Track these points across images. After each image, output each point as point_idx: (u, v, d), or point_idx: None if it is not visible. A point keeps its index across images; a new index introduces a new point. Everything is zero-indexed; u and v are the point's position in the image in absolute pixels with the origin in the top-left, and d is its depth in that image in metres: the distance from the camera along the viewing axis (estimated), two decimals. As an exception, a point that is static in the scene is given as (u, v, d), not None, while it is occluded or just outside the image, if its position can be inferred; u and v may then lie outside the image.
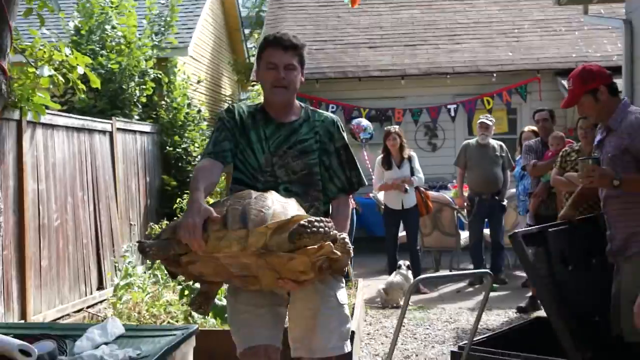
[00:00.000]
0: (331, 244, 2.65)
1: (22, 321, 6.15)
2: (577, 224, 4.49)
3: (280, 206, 2.72)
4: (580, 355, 3.87)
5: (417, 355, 5.74)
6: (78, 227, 7.51)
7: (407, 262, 8.02)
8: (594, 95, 4.00)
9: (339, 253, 2.69)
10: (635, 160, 3.90)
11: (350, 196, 3.33)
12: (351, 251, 2.78)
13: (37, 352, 2.93)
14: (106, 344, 3.13)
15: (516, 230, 4.35)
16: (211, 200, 3.94)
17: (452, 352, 4.48)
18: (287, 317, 3.15)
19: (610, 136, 4.04)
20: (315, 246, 2.59)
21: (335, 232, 2.71)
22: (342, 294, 3.12)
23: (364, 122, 11.48)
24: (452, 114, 12.00)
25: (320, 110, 3.31)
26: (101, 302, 7.57)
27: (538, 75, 11.87)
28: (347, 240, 2.77)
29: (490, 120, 8.60)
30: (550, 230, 4.37)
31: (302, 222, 2.60)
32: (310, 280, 2.76)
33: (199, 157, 3.28)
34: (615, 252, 4.06)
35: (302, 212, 2.78)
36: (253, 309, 2.99)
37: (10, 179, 6.29)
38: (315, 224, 2.60)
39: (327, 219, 2.69)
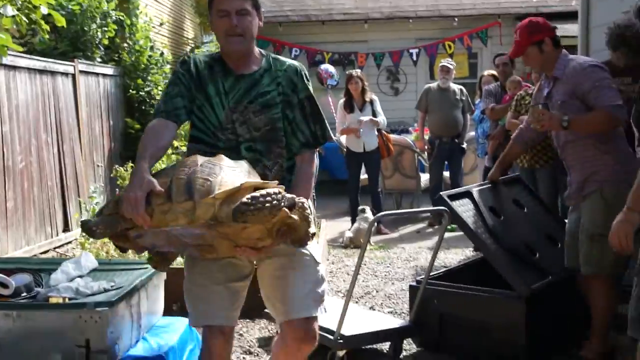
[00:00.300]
0: (286, 210, 2.47)
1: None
2: (501, 183, 4.86)
3: (229, 173, 2.53)
4: (526, 287, 4.14)
5: (377, 292, 5.99)
6: (43, 169, 7.55)
7: (369, 207, 8.22)
8: (539, 47, 4.19)
9: (295, 218, 2.51)
10: (584, 104, 4.11)
11: (316, 151, 3.06)
12: (310, 218, 2.58)
13: (14, 284, 3.07)
14: (80, 277, 3.27)
15: (441, 193, 4.62)
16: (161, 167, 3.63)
17: (411, 286, 4.72)
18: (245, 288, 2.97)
19: (556, 86, 4.24)
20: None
21: (293, 196, 2.53)
22: (317, 253, 2.95)
23: (331, 68, 11.62)
24: (414, 58, 12.16)
25: (283, 58, 3.05)
26: (67, 243, 7.67)
27: (499, 20, 12.05)
28: (307, 205, 2.57)
29: (451, 64, 8.77)
30: (475, 189, 4.70)
31: (244, 199, 2.39)
32: (270, 246, 2.62)
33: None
34: (573, 194, 4.29)
35: (252, 177, 2.60)
36: (209, 285, 2.82)
37: (-26, 121, 6.31)
38: (260, 199, 2.40)
39: (275, 189, 2.47)
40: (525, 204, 4.95)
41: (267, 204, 2.39)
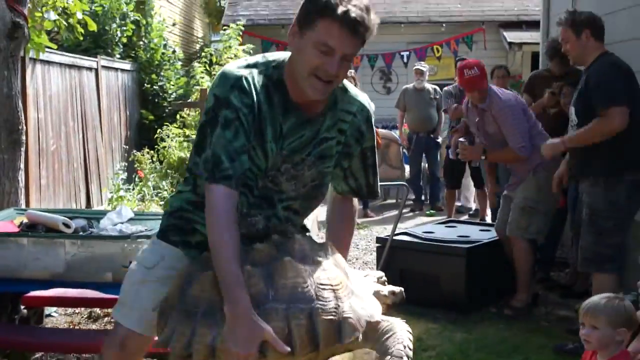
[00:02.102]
0: None
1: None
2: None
3: (346, 299, 2.15)
4: (463, 245, 5.30)
5: (357, 259, 7.13)
6: (70, 152, 8.67)
7: None
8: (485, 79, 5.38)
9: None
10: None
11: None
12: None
13: (74, 225, 4.18)
14: (121, 223, 4.39)
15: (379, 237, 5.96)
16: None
17: (377, 238, 5.90)
18: None
19: (484, 116, 5.36)
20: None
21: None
22: None
23: None
24: (405, 60, 13.22)
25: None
26: (91, 217, 8.80)
27: (483, 26, 13.12)
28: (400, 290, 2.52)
29: (424, 67, 9.84)
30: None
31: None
32: None
33: (192, 146, 2.48)
34: (513, 185, 5.44)
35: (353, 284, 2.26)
36: None
37: (16, 108, 7.41)
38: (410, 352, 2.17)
39: (406, 333, 2.28)
40: (457, 225, 6.28)
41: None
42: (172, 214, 2.48)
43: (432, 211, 9.61)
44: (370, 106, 2.47)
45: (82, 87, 9.10)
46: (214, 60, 11.37)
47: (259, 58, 2.31)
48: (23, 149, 5.90)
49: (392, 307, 3.79)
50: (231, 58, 10.77)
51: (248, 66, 2.24)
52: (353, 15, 2.10)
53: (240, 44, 11.48)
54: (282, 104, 2.24)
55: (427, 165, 10.00)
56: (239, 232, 2.13)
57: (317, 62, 2.15)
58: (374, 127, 2.48)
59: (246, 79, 2.19)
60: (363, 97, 2.44)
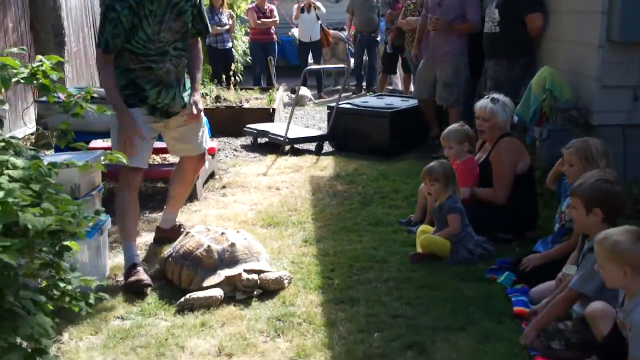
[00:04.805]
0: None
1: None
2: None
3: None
4: (388, 110, 6.55)
5: (314, 125, 8.34)
6: (87, 54, 9.58)
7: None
8: None
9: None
10: (460, 10, 6.15)
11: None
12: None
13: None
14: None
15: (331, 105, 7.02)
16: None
17: (328, 106, 7.18)
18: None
19: None
20: None
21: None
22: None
23: None
24: (352, -26, 13.99)
25: None
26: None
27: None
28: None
29: None
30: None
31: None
32: None
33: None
34: (431, 58, 6.45)
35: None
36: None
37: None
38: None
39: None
40: (385, 97, 7.45)
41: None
42: (125, 88, 3.52)
43: (370, 93, 10.78)
44: None
45: (92, 1, 9.91)
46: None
47: None
48: (66, 48, 6.91)
49: (338, 151, 4.90)
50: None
51: None
52: None
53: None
54: None
55: (367, 58, 11.08)
56: (114, 75, 3.37)
57: None
58: None
59: None
60: None
